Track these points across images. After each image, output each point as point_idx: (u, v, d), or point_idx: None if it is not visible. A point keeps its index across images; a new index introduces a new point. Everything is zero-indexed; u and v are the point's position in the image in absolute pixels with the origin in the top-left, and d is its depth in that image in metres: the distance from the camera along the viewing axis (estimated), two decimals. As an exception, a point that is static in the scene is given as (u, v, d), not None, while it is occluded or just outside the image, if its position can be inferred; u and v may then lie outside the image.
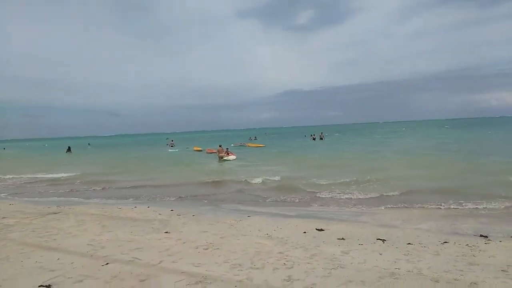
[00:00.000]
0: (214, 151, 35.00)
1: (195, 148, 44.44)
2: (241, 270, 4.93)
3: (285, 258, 5.46)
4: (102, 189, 16.36)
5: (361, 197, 11.84)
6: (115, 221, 8.68)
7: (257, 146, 43.27)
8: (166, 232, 7.33)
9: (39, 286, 4.41)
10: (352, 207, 10.65)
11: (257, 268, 5.02)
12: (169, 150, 45.28)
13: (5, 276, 4.78)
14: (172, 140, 64.52)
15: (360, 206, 10.63)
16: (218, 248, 6.07)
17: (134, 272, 4.94)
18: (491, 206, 9.79)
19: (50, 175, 21.56)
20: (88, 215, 9.46)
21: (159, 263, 5.31)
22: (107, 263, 5.35)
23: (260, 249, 5.99)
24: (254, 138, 65.93)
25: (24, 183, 19.28)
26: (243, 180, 16.29)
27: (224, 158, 27.54)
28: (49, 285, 4.43)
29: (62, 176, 21.00)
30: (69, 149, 48.31)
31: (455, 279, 4.45)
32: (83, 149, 59.96)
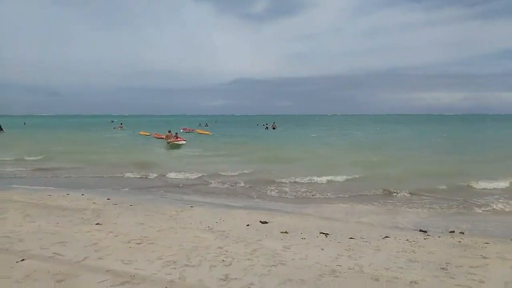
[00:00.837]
0: (162, 136, 33.98)
1: (141, 133, 42.76)
2: (175, 268, 4.53)
3: (224, 254, 5.15)
4: (33, 171, 15.10)
5: (308, 188, 11.81)
6: (41, 209, 7.85)
7: (205, 133, 42.45)
8: (97, 224, 6.71)
9: None
10: (298, 198, 10.61)
11: (193, 266, 4.65)
12: (114, 135, 43.16)
13: None
14: (121, 124, 61.73)
15: (307, 198, 10.63)
16: (152, 243, 5.61)
17: (52, 270, 4.37)
18: (431, 200, 10.20)
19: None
20: (11, 202, 8.52)
21: (83, 260, 4.76)
22: (22, 259, 4.72)
23: (198, 244, 5.62)
24: (205, 125, 64.84)
25: None
26: (191, 168, 15.63)
27: (174, 142, 27.05)
28: None
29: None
30: (0, 128, 44.35)
31: (395, 277, 4.39)
32: (18, 128, 55.55)
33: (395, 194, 10.75)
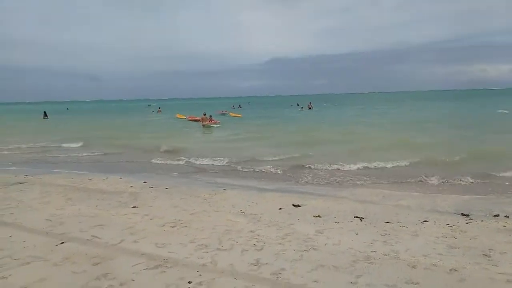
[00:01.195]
0: (196, 118, 34.69)
1: (177, 116, 43.70)
2: (207, 252, 4.56)
3: (256, 238, 5.12)
4: (76, 156, 15.79)
5: (345, 173, 11.48)
6: (82, 193, 8.19)
7: (238, 116, 42.55)
8: (134, 207, 6.90)
9: (-22, 270, 3.96)
10: (333, 182, 10.36)
11: (224, 250, 4.66)
12: (153, 118, 44.36)
13: None
14: (159, 108, 63.45)
15: (342, 181, 10.36)
16: (186, 226, 5.68)
17: (90, 253, 4.53)
18: (472, 182, 9.68)
19: (25, 145, 20.49)
20: (54, 186, 8.94)
21: (119, 243, 4.90)
22: (62, 242, 4.92)
23: (231, 227, 5.63)
24: (239, 106, 64.86)
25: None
26: (224, 152, 15.66)
27: (209, 125, 27.56)
28: (-10, 269, 3.99)
29: (34, 146, 20.15)
30: (45, 115, 46.82)
31: (433, 265, 4.17)
32: (61, 114, 58.26)
33: (437, 177, 10.19)
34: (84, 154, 16.32)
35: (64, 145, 19.54)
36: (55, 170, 12.14)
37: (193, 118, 36.52)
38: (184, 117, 40.78)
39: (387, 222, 6.04)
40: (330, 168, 11.95)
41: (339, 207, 7.15)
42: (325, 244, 4.94)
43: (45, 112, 47.98)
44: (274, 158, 14.00)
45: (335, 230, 5.63)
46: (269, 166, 12.46)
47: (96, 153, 16.55)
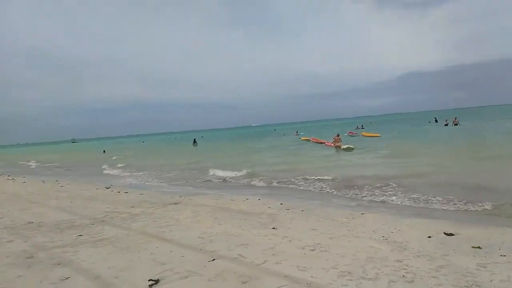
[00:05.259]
0: (321, 141, 34.63)
1: (303, 138, 44.38)
2: (351, 280, 4.36)
3: (404, 269, 4.69)
4: (223, 180, 17.10)
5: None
6: (227, 213, 8.85)
7: (374, 136, 39.41)
8: (273, 228, 7.12)
9: (149, 279, 4.56)
10: (493, 206, 8.88)
11: (370, 279, 4.38)
12: (279, 141, 45.85)
13: (122, 267, 5.10)
14: (296, 131, 66.16)
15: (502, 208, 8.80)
16: (325, 250, 5.57)
17: (237, 271, 4.79)
18: None
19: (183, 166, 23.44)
20: (203, 206, 9.88)
21: (262, 263, 5.07)
22: (213, 259, 5.34)
23: (374, 255, 5.30)
24: (361, 127, 61.95)
25: (166, 170, 21.52)
26: (367, 175, 14.60)
27: (342, 147, 26.30)
28: (157, 280, 4.55)
29: (188, 167, 22.79)
30: (195, 141, 53.33)
31: None
32: (202, 141, 64.95)
33: None
34: (225, 176, 17.69)
35: (207, 166, 21.43)
36: (205, 192, 13.49)
37: (318, 141, 36.50)
38: (308, 139, 41.16)
39: None
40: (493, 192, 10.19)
41: (502, 238, 6.09)
42: (491, 281, 4.23)
43: (195, 139, 54.95)
44: (424, 180, 12.47)
45: (502, 264, 4.78)
46: (417, 191, 10.92)
47: (242, 176, 17.57)
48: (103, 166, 28.76)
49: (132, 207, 10.08)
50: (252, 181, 15.83)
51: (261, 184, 15.04)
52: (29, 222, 8.45)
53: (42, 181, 19.84)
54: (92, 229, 7.54)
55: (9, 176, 24.63)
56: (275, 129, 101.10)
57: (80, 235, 7.04)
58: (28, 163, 41.89)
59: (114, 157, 39.07)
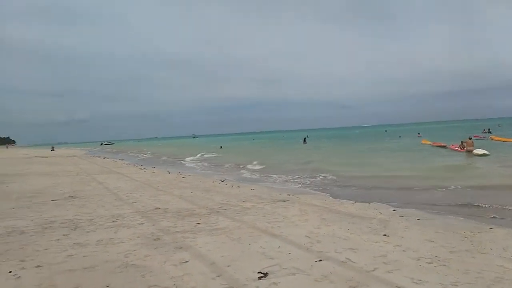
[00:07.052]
0: (442, 144, 31.56)
1: (423, 141, 40.68)
2: (475, 301, 3.89)
3: (545, 297, 3.99)
4: (331, 181, 16.82)
5: None
6: (334, 214, 8.69)
7: (507, 141, 33.41)
8: (384, 235, 6.73)
9: (258, 272, 4.75)
10: None
11: (499, 304, 3.85)
12: (392, 145, 42.94)
13: (234, 257, 5.42)
14: (418, 133, 62.08)
15: None
16: (444, 265, 5.06)
17: (345, 275, 4.68)
18: None
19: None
20: (310, 206, 9.88)
21: (372, 270, 4.85)
22: (320, 260, 5.30)
23: (503, 275, 4.61)
24: (488, 130, 53.93)
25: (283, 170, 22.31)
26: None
27: (476, 153, 22.74)
28: (266, 273, 4.71)
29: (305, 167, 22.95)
30: (304, 140, 53.88)
31: None
32: (313, 140, 64.67)
33: None
34: (338, 178, 17.37)
35: (323, 168, 21.18)
36: (312, 191, 13.49)
37: (438, 144, 33.20)
38: (429, 143, 37.53)
39: None
40: None
41: None
42: None
43: (305, 138, 55.57)
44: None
45: None
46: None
47: (350, 176, 17.26)
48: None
49: (244, 201, 10.62)
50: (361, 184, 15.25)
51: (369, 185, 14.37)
52: (156, 208, 9.58)
53: (168, 171, 22.31)
54: (208, 218, 8.19)
55: (141, 166, 28.34)
56: (386, 130, 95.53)
57: (198, 223, 7.72)
58: (161, 158, 47.30)
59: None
